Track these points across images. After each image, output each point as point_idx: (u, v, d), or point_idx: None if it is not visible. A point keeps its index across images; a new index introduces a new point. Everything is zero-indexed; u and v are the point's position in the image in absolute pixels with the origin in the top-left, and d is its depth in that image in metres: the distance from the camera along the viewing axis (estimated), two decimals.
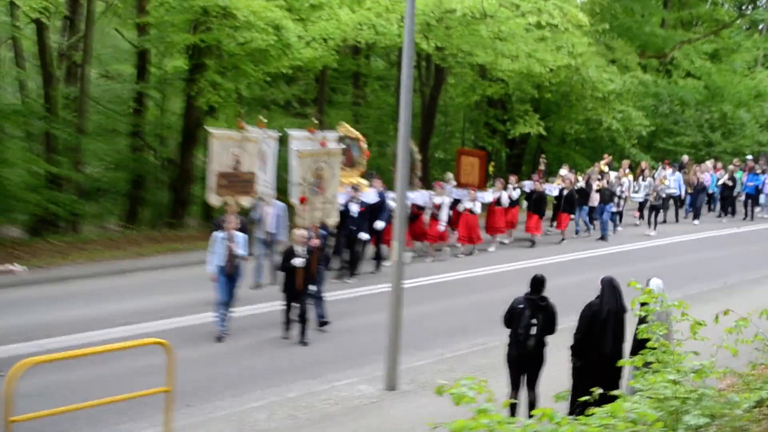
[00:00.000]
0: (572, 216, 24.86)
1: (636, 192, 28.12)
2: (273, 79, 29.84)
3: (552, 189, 25.16)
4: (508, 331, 10.80)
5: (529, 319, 10.53)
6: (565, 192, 24.54)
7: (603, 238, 25.03)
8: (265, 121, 18.63)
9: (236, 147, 16.63)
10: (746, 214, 30.57)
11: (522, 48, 27.03)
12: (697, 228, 28.37)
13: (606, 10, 35.02)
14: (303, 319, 14.17)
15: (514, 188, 23.95)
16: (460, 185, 22.76)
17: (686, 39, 40.23)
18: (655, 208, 27.13)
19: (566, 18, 26.35)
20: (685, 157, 33.45)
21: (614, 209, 26.04)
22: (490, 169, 26.57)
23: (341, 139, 19.98)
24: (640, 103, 36.54)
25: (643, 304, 7.67)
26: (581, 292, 11.63)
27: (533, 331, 10.55)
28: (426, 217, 21.34)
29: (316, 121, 17.04)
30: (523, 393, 10.67)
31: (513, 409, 10.21)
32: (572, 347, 10.44)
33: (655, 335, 7.43)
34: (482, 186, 23.14)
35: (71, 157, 25.68)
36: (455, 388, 5.31)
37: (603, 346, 10.13)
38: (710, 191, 31.17)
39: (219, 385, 12.43)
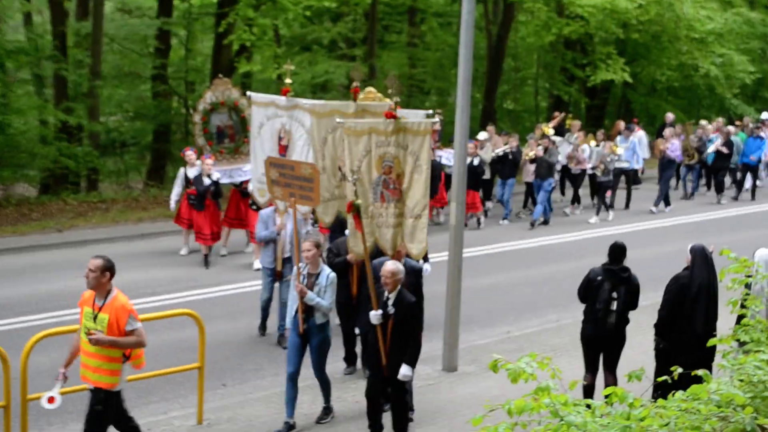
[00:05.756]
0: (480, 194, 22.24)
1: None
2: (315, 14, 29.98)
3: (449, 157, 20.96)
4: (582, 306, 11.14)
5: (609, 293, 10.81)
6: (471, 160, 20.53)
7: (532, 224, 22.27)
8: (289, 81, 13.87)
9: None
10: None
11: None
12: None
13: None
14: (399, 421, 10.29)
15: None
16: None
17: None
18: (601, 185, 23.41)
19: None
20: (670, 115, 29.52)
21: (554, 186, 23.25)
22: (567, 122, 26.58)
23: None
24: (744, 45, 36.09)
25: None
26: (661, 265, 11.67)
27: (614, 306, 10.84)
28: None
29: (392, 91, 11.38)
30: (600, 377, 11.02)
31: (589, 394, 10.59)
32: (656, 326, 10.74)
33: (751, 311, 7.67)
34: None
35: (85, 105, 26.12)
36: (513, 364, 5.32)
37: (693, 324, 10.40)
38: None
39: (255, 363, 12.87)
